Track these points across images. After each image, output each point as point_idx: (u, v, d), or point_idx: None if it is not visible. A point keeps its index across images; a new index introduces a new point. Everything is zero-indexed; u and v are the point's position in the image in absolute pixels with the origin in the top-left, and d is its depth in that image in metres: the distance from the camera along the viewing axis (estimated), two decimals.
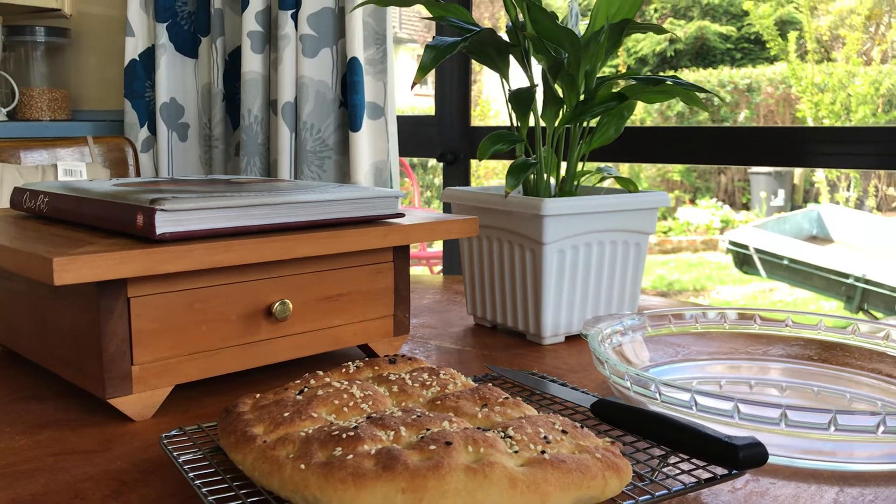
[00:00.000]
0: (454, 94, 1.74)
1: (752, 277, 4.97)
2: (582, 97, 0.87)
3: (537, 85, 0.87)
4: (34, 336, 0.72)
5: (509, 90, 0.88)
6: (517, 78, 0.90)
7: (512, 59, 0.90)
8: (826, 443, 0.57)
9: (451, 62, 1.73)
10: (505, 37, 0.88)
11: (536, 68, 0.89)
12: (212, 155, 1.79)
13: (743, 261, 4.96)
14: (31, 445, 0.60)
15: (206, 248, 0.63)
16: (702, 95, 0.86)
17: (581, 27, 0.94)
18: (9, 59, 2.01)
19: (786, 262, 4.63)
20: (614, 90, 0.88)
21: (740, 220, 6.21)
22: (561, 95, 0.87)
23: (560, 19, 0.87)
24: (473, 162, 1.85)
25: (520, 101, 0.85)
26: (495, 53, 0.88)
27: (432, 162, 5.97)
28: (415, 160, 5.61)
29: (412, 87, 0.79)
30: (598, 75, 0.89)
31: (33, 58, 2.00)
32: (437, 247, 4.26)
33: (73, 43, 2.07)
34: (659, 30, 0.88)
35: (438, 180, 5.76)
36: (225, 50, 1.74)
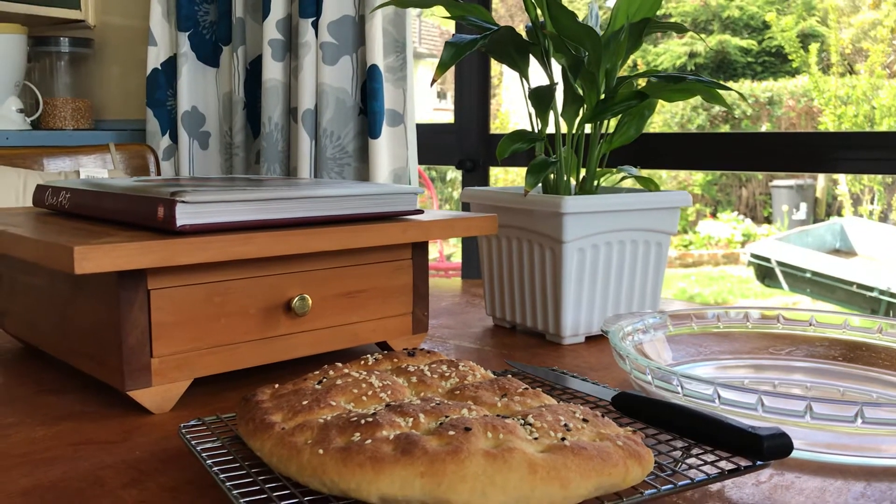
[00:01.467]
0: (473, 101, 1.74)
1: (774, 291, 4.92)
2: (602, 96, 0.87)
3: (557, 83, 0.86)
4: (55, 330, 0.73)
5: (529, 89, 0.88)
6: (537, 77, 0.90)
7: (532, 58, 0.90)
8: (853, 437, 0.56)
9: (470, 68, 1.73)
10: (524, 36, 0.88)
11: (556, 68, 0.89)
12: (233, 163, 1.80)
13: (765, 274, 4.91)
14: (50, 435, 0.60)
15: (226, 240, 0.63)
16: (723, 93, 0.86)
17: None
18: (34, 69, 2.04)
19: (809, 275, 4.58)
20: (635, 89, 0.88)
21: (762, 233, 6.16)
22: (581, 94, 0.86)
23: (581, 19, 0.87)
24: (493, 171, 1.85)
25: (540, 98, 0.85)
26: (515, 52, 0.88)
27: (451, 174, 5.98)
28: (433, 172, 5.62)
29: (432, 84, 0.79)
30: (618, 74, 0.89)
31: (57, 68, 2.03)
32: (457, 259, 4.26)
33: (97, 53, 2.09)
34: (680, 28, 0.87)
35: (457, 193, 5.76)
36: (246, 58, 1.76)
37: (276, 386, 0.56)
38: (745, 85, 6.41)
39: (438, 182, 6.18)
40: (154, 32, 1.83)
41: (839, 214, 5.87)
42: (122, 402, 0.67)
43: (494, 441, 0.45)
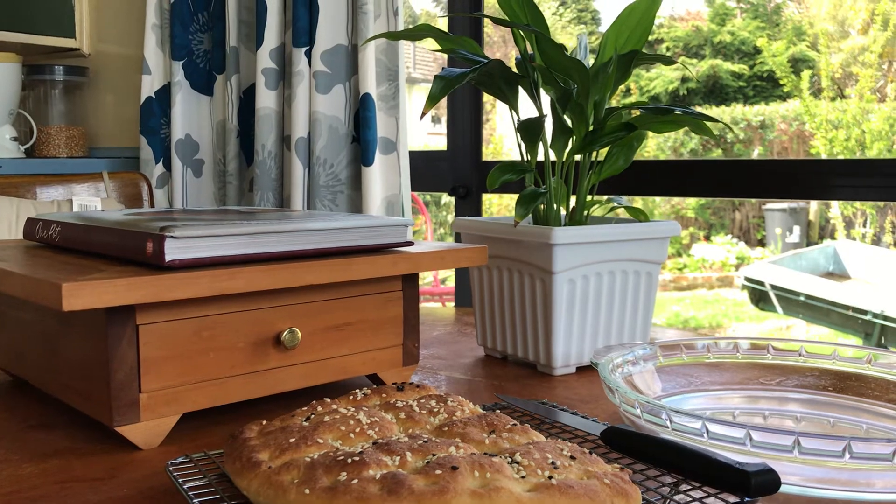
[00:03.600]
0: (466, 128, 1.75)
1: (768, 314, 4.92)
2: (591, 127, 0.88)
3: (546, 115, 0.87)
4: (43, 365, 0.72)
5: (518, 121, 0.88)
6: (526, 110, 0.91)
7: (521, 91, 0.91)
8: (843, 472, 0.56)
9: (462, 97, 1.74)
10: (514, 68, 0.89)
11: (545, 100, 0.90)
12: (226, 191, 1.80)
13: (759, 297, 4.92)
14: (37, 473, 0.60)
15: (214, 275, 0.63)
16: (710, 125, 0.86)
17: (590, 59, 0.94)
18: (28, 97, 2.05)
19: (802, 298, 4.59)
20: (623, 121, 0.89)
21: (756, 256, 6.18)
22: (570, 125, 0.87)
23: (569, 52, 0.88)
24: (486, 197, 1.85)
25: (528, 130, 0.86)
26: (504, 85, 0.88)
27: (445, 199, 5.99)
28: (428, 197, 5.63)
29: (422, 117, 0.79)
30: (607, 106, 0.89)
31: (52, 96, 2.04)
32: (451, 283, 4.26)
33: (91, 81, 2.10)
34: (667, 60, 0.88)
35: (452, 217, 5.77)
36: (240, 87, 1.77)
37: (264, 422, 0.56)
38: (737, 109, 6.45)
39: (433, 206, 6.19)
40: (148, 61, 1.84)
41: (832, 237, 5.89)
42: (111, 438, 0.66)
43: (482, 480, 0.45)
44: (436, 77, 0.80)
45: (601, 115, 0.88)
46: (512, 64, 0.90)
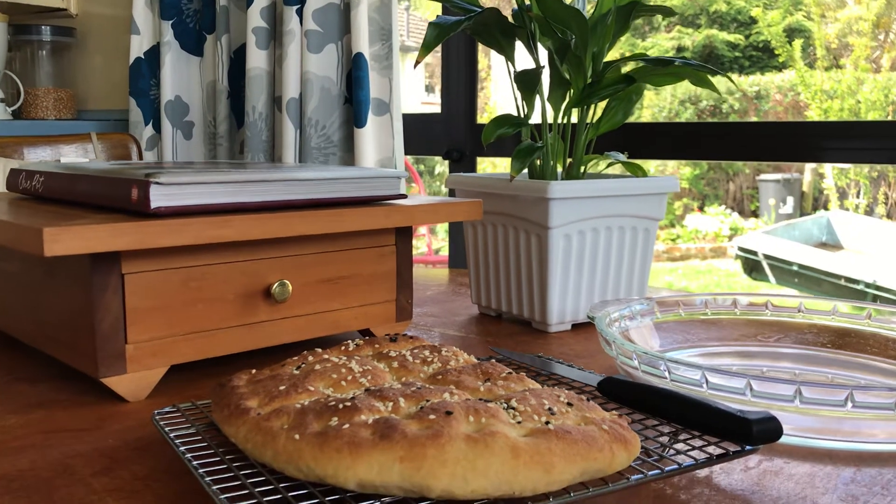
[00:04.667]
0: (460, 90, 1.73)
1: (761, 284, 4.93)
2: (589, 80, 0.86)
3: (544, 66, 0.85)
4: (28, 318, 0.71)
5: (515, 72, 0.86)
6: (523, 62, 0.88)
7: (518, 42, 0.89)
8: (842, 421, 0.55)
9: (457, 57, 1.71)
10: (511, 19, 0.87)
11: (542, 53, 0.88)
12: (216, 153, 1.77)
13: (752, 267, 4.92)
14: (21, 424, 0.58)
15: (203, 222, 0.62)
16: (712, 77, 0.84)
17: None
18: (15, 58, 2.01)
19: (795, 268, 4.59)
20: (622, 73, 0.87)
21: (749, 227, 6.18)
22: (568, 78, 0.85)
23: (568, 2, 0.85)
24: (480, 161, 1.83)
25: (526, 81, 0.84)
26: (500, 35, 0.86)
27: (439, 168, 5.96)
28: (422, 166, 5.60)
29: (415, 66, 0.77)
30: (605, 59, 0.87)
31: (39, 57, 2.00)
32: (445, 253, 4.24)
33: (79, 42, 2.06)
34: (667, 11, 0.86)
35: (446, 189, 5.75)
36: (230, 47, 1.73)
37: (254, 371, 0.55)
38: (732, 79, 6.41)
39: (427, 176, 6.16)
40: (137, 21, 1.80)
41: (825, 208, 5.89)
42: (97, 390, 0.65)
43: (476, 425, 0.44)
44: (430, 24, 0.77)
45: (599, 68, 0.86)
46: (509, 16, 0.88)
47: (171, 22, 1.77)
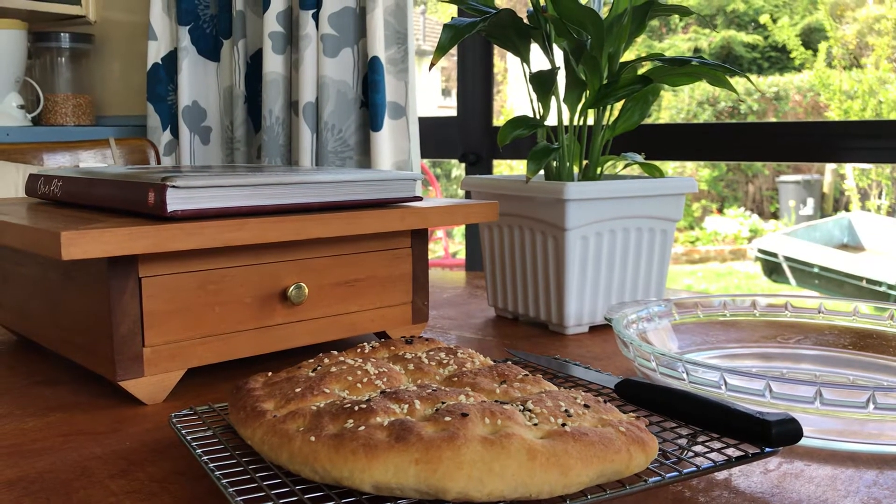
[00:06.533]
0: (476, 93, 1.73)
1: (781, 286, 4.89)
2: (605, 81, 0.85)
3: (559, 67, 0.85)
4: (47, 321, 0.71)
5: (530, 73, 0.86)
6: (538, 63, 0.88)
7: (533, 43, 0.88)
8: (864, 423, 0.54)
9: (473, 60, 1.71)
10: (526, 20, 0.87)
11: (558, 54, 0.87)
12: (234, 158, 1.78)
13: (772, 269, 4.88)
14: (40, 426, 0.58)
15: (219, 225, 0.62)
16: (730, 77, 0.84)
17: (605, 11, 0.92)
18: (34, 65, 2.03)
19: (816, 270, 4.55)
20: (638, 73, 0.86)
21: (769, 229, 6.13)
22: (584, 79, 0.85)
23: (583, 2, 0.85)
24: (496, 164, 1.83)
25: (541, 82, 0.83)
26: (516, 36, 0.86)
27: (456, 172, 5.96)
28: (438, 170, 5.60)
29: (430, 68, 0.77)
30: (621, 59, 0.87)
31: (58, 64, 2.02)
32: (462, 256, 4.24)
33: (98, 49, 2.08)
34: (684, 11, 0.86)
35: (462, 192, 5.75)
36: (247, 52, 1.74)
37: (270, 374, 0.55)
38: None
39: (443, 179, 6.16)
40: (154, 27, 1.81)
41: (846, 209, 5.83)
42: (115, 393, 0.65)
43: (492, 427, 0.44)
44: (445, 26, 0.77)
45: (615, 69, 0.86)
46: (524, 17, 0.88)
47: (188, 27, 1.78)
